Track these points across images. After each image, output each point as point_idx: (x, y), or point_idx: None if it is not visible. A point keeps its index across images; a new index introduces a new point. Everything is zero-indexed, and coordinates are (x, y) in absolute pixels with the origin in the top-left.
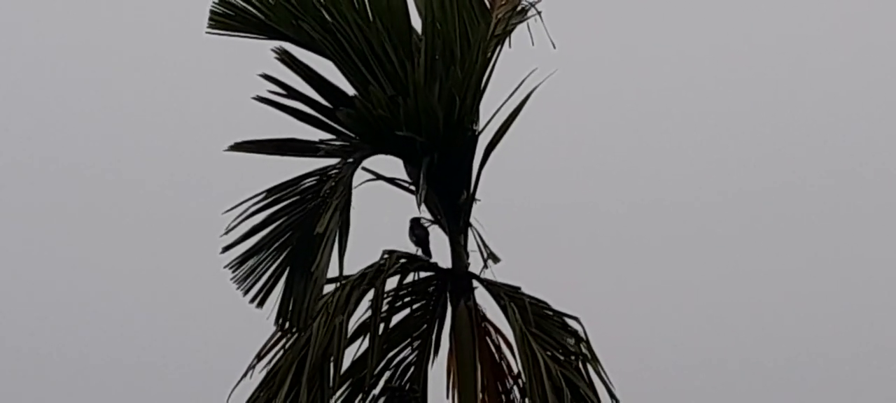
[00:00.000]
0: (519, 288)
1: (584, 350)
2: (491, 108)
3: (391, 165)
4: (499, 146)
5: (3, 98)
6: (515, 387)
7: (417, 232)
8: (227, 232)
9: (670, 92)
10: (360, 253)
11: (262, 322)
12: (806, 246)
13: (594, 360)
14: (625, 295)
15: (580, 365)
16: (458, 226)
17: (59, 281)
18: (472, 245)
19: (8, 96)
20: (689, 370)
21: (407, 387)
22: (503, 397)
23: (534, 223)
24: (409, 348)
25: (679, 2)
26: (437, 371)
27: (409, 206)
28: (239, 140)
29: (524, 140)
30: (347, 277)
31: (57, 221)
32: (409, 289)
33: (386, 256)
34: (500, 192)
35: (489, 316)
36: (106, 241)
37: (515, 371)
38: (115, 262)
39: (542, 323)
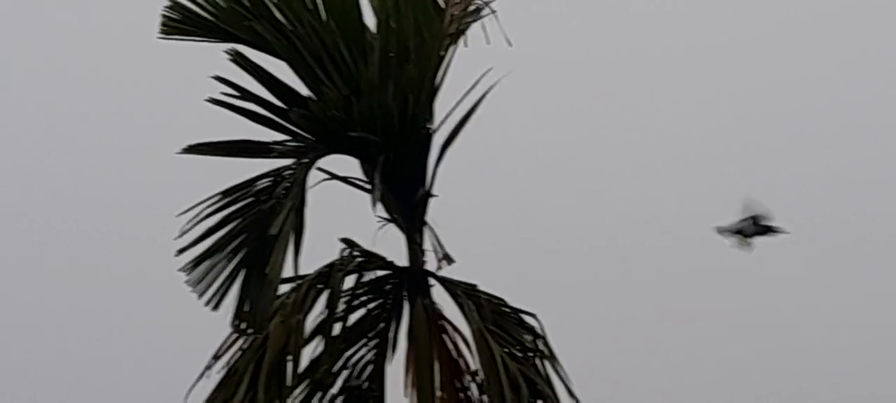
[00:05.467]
0: (476, 286)
1: (541, 347)
2: (448, 108)
3: (348, 164)
4: (455, 144)
5: None
6: (473, 384)
7: None
8: (181, 235)
9: (628, 89)
10: (317, 253)
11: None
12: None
13: (552, 357)
14: (585, 294)
15: (537, 362)
16: (414, 225)
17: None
18: (428, 244)
19: None
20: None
21: (365, 386)
22: (461, 394)
23: (492, 220)
24: (367, 347)
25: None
26: (396, 370)
27: (365, 205)
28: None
29: (482, 138)
30: (303, 277)
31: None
32: (366, 288)
33: (344, 251)
34: (458, 191)
35: (446, 313)
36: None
37: (473, 368)
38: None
39: (499, 320)
